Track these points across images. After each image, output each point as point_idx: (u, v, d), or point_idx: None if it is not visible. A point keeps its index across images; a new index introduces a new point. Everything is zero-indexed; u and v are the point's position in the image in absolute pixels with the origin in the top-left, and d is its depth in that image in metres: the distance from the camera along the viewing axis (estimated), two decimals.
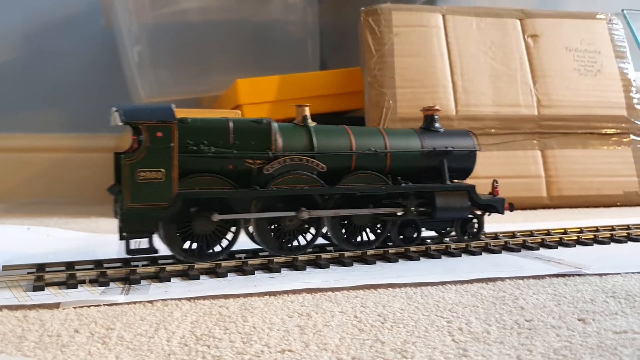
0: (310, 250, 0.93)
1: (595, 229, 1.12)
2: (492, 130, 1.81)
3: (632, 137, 1.95)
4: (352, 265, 0.87)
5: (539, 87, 1.91)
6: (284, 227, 0.89)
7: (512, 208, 1.02)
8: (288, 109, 1.98)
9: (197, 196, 0.83)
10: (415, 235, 0.98)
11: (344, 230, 0.94)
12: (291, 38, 2.35)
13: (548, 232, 1.08)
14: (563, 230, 1.09)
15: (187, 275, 0.80)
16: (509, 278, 0.78)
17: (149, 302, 0.68)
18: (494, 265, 0.86)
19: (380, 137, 0.96)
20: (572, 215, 1.54)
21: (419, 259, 0.92)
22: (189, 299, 0.70)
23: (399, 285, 0.75)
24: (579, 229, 1.11)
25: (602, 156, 1.89)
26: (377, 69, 1.81)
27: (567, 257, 0.91)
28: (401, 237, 0.97)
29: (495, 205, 1.00)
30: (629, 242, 1.04)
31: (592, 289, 0.72)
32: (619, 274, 0.80)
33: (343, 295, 0.71)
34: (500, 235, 1.06)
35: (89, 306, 0.67)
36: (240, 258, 0.87)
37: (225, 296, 0.70)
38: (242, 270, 0.82)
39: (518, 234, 1.07)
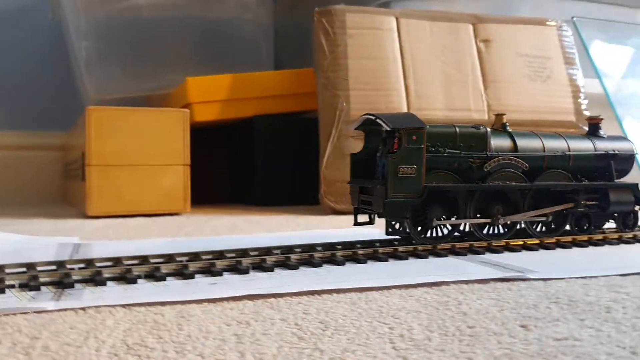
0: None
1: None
2: None
3: None
4: (297, 268, 0.85)
5: (490, 92, 1.93)
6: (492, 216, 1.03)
7: None
8: (239, 108, 1.97)
9: (440, 189, 0.99)
10: (586, 226, 1.12)
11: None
12: (245, 37, 2.33)
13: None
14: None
15: (125, 279, 0.77)
16: (454, 282, 0.77)
17: (80, 308, 0.65)
18: (440, 269, 0.86)
19: (562, 140, 1.12)
20: None
21: (366, 262, 0.91)
22: (123, 305, 0.66)
23: (344, 291, 0.73)
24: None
25: None
26: (331, 71, 1.80)
27: (512, 262, 0.91)
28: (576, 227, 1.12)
29: None
30: (574, 248, 1.05)
31: (535, 295, 0.72)
32: (563, 279, 0.80)
33: (285, 302, 0.69)
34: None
35: (14, 314, 0.63)
36: (181, 261, 0.85)
37: (162, 303, 0.67)
38: (182, 274, 0.80)
39: (465, 237, 1.07)
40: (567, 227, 1.11)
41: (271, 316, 0.63)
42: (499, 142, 1.06)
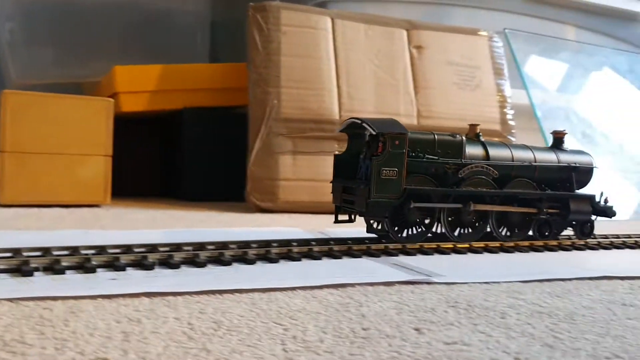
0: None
1: None
2: None
3: None
4: (205, 266, 0.84)
5: (420, 97, 1.96)
6: (463, 219, 1.10)
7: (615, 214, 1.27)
8: (168, 100, 1.93)
9: (418, 192, 1.04)
10: (547, 232, 1.21)
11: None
12: (181, 28, 2.29)
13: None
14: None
15: (20, 271, 0.74)
16: (360, 284, 0.78)
17: None
18: (349, 270, 0.86)
19: (529, 152, 1.19)
20: None
21: (278, 261, 0.90)
22: (11, 299, 0.63)
23: (247, 291, 0.72)
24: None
25: None
26: (263, 67, 1.79)
27: (422, 265, 0.92)
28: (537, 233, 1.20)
29: (608, 211, 1.25)
30: (484, 253, 1.08)
31: (436, 298, 0.73)
32: (466, 283, 0.82)
33: (184, 300, 0.67)
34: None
35: None
36: (85, 254, 0.82)
37: (54, 298, 0.65)
38: (83, 267, 0.77)
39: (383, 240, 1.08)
40: (530, 233, 1.19)
41: (165, 314, 0.61)
42: (472, 151, 1.12)
